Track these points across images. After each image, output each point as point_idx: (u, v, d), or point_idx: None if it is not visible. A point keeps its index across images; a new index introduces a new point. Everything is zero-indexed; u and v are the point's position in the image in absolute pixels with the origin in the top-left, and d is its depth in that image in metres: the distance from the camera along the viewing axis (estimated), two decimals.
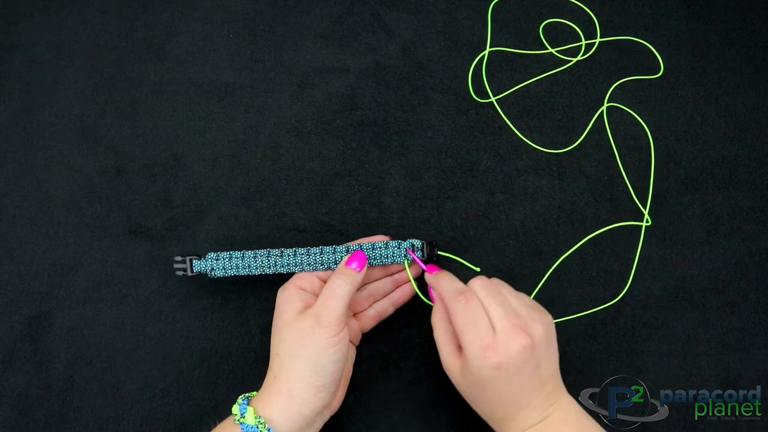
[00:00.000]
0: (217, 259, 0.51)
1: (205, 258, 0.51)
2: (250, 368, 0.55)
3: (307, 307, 0.48)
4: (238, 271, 0.51)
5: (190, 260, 0.51)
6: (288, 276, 0.52)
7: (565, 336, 0.55)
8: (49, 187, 0.60)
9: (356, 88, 0.61)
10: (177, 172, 0.60)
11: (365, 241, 0.53)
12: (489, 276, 0.57)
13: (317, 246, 0.52)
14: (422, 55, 0.62)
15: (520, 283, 0.56)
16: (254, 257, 0.51)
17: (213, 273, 0.51)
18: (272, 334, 0.49)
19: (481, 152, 0.60)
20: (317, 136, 0.60)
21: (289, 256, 0.51)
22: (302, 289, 0.50)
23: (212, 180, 0.60)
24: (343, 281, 0.48)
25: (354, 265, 0.50)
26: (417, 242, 0.53)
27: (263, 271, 0.52)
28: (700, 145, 0.60)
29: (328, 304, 0.47)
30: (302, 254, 0.51)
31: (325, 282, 0.50)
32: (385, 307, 0.53)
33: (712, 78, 0.62)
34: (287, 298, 0.49)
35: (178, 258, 0.52)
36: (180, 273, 0.52)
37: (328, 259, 0.51)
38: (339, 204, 0.59)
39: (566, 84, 0.62)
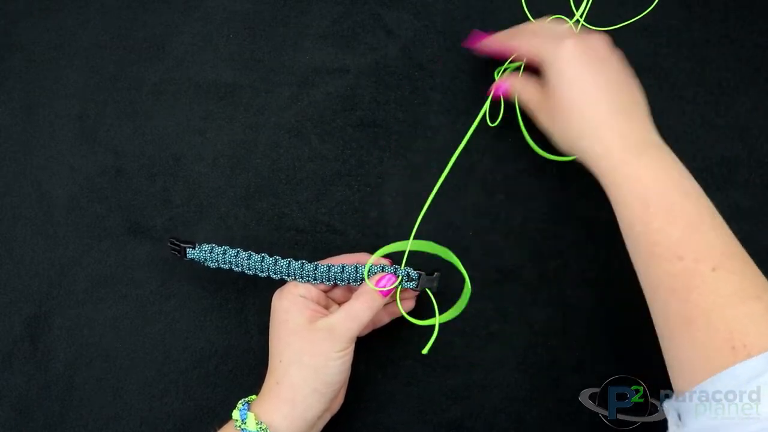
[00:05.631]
0: (210, 252, 0.51)
1: (200, 248, 0.51)
2: (250, 369, 0.55)
3: (314, 315, 0.48)
4: (230, 267, 0.51)
5: (184, 248, 0.51)
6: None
7: (564, 336, 0.55)
8: (49, 187, 0.60)
9: (356, 88, 0.61)
10: (177, 172, 0.60)
11: (363, 259, 0.52)
12: (487, 278, 0.57)
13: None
14: (422, 55, 0.62)
15: (520, 284, 0.56)
16: (248, 258, 0.51)
17: (206, 263, 0.51)
18: (274, 340, 0.49)
19: (480, 152, 0.60)
20: (317, 136, 0.60)
21: (282, 266, 0.50)
22: (303, 297, 0.49)
23: (212, 180, 0.60)
24: (368, 307, 0.48)
25: (384, 283, 0.49)
26: (413, 273, 0.51)
27: (255, 273, 0.51)
28: (700, 145, 0.60)
29: (346, 324, 0.47)
30: (296, 267, 0.50)
31: (320, 290, 0.51)
32: (381, 317, 0.53)
33: (712, 78, 0.62)
34: (288, 307, 0.49)
35: (174, 241, 0.52)
36: (172, 252, 0.52)
37: (322, 275, 0.50)
38: (339, 204, 0.59)
39: None
